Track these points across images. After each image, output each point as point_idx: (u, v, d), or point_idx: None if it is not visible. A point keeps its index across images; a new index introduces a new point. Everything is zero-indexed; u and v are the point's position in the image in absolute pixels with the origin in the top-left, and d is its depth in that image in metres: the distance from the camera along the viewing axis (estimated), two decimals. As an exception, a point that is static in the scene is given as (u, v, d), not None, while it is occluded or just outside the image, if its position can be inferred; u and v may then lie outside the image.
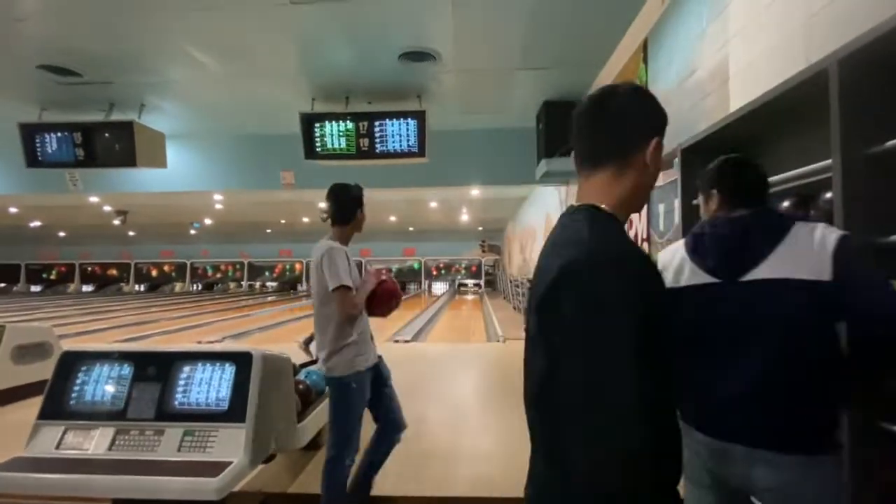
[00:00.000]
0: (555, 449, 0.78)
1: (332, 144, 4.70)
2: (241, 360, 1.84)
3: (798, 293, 1.06)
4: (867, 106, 1.29)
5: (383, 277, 2.31)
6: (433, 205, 12.77)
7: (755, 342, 1.10)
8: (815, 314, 1.06)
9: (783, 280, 1.07)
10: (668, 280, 1.24)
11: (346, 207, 2.22)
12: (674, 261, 1.28)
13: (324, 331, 2.11)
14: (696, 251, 1.23)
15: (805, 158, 1.55)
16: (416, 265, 22.02)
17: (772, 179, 1.74)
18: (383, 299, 2.29)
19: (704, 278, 1.19)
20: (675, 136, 2.78)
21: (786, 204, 1.66)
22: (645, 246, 3.38)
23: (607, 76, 4.18)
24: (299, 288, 21.04)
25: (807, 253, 1.07)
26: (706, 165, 2.29)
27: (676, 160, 2.64)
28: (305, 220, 14.98)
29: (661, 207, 3.11)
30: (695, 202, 2.28)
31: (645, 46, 3.36)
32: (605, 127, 0.87)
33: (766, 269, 1.10)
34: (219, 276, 22.50)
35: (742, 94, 2.08)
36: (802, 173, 1.57)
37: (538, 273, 0.83)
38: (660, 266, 1.30)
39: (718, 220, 1.23)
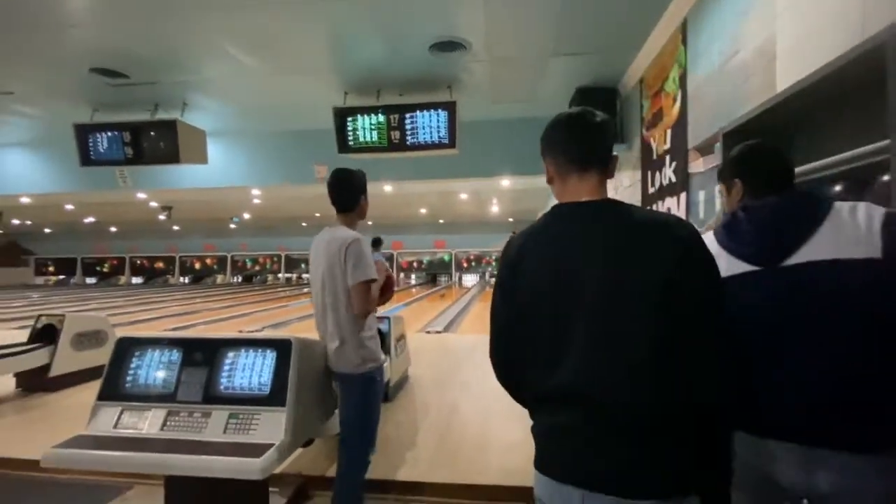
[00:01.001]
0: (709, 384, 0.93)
1: (365, 138, 4.76)
2: (282, 347, 1.91)
3: (851, 273, 0.98)
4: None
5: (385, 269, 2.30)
6: (463, 196, 12.75)
7: (810, 331, 1.02)
8: (874, 294, 0.97)
9: (831, 261, 1.00)
10: None
11: (350, 193, 2.11)
12: None
13: (347, 327, 2.00)
14: (732, 239, 1.17)
15: (858, 140, 1.46)
16: (446, 257, 22.10)
17: (822, 163, 1.65)
18: (386, 291, 2.27)
19: (743, 266, 1.12)
20: (716, 121, 2.67)
21: (838, 188, 1.58)
22: (683, 235, 3.26)
23: (644, 60, 4.04)
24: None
25: (852, 232, 0.99)
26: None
27: (718, 145, 2.54)
28: (339, 213, 15.24)
29: (702, 195, 3.00)
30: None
31: (684, 27, 3.23)
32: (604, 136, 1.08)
33: (810, 251, 1.03)
34: (257, 268, 23.30)
35: (790, 73, 1.97)
36: (855, 156, 1.48)
37: (641, 250, 0.93)
38: None
39: (751, 206, 1.17)
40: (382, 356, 2.17)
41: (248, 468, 1.59)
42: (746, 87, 2.39)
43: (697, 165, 3.07)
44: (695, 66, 3.09)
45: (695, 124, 3.12)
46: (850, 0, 1.64)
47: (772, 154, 1.21)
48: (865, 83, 1.44)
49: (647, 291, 0.90)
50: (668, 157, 3.60)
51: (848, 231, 1.00)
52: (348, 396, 2.09)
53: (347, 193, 2.13)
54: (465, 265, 21.99)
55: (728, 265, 1.13)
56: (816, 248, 1.02)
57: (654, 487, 0.89)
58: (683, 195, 3.29)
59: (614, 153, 1.09)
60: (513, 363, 1.09)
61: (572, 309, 0.96)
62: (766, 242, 1.10)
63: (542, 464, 1.02)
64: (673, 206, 3.48)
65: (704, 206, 2.98)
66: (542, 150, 1.12)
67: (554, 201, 1.12)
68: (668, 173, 3.58)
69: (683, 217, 3.26)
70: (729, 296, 1.08)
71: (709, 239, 1.22)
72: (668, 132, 3.58)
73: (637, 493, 0.88)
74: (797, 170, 1.79)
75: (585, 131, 1.06)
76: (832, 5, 1.74)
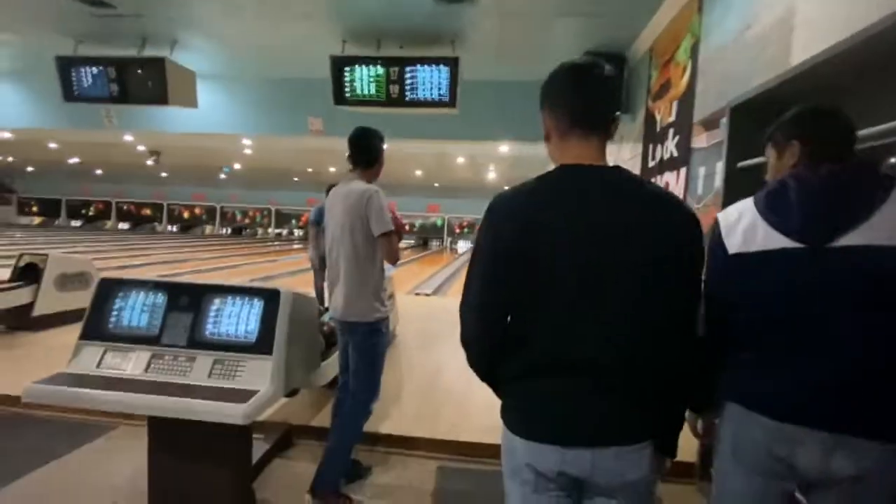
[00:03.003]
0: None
1: (362, 90, 4.60)
2: (270, 297, 1.89)
3: None
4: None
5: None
6: (460, 160, 12.57)
7: (853, 321, 0.97)
8: None
9: (888, 248, 0.91)
10: (737, 243, 1.09)
11: (371, 149, 2.17)
12: (742, 220, 1.10)
13: (360, 277, 2.07)
14: (775, 210, 1.05)
15: (873, 118, 1.42)
16: (439, 222, 22.01)
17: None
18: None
19: (783, 242, 1.02)
20: (725, 95, 2.60)
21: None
22: (679, 210, 3.25)
23: (656, 27, 3.90)
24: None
25: None
26: (760, 126, 2.15)
27: (724, 120, 2.49)
28: (332, 169, 14.99)
29: (702, 171, 2.97)
30: (741, 164, 2.16)
31: (701, -7, 3.09)
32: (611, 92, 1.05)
33: (865, 234, 0.93)
34: (247, 221, 23.04)
35: (807, 46, 1.90)
36: (870, 134, 1.45)
37: (645, 220, 0.94)
38: (723, 227, 1.14)
39: (803, 173, 1.04)
40: (389, 310, 2.21)
41: (231, 412, 1.60)
42: (762, 59, 2.32)
43: (700, 140, 3.02)
44: (709, 37, 2.98)
45: (702, 98, 3.04)
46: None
47: (836, 116, 1.08)
48: (885, 60, 1.39)
49: (652, 265, 0.93)
50: (671, 131, 3.53)
51: None
52: (357, 346, 2.13)
53: (367, 149, 2.17)
54: (457, 231, 21.95)
55: (765, 238, 1.04)
56: (873, 231, 0.92)
57: (646, 433, 0.99)
58: (684, 170, 3.25)
59: (617, 113, 1.02)
60: (499, 328, 1.04)
61: (576, 278, 0.94)
62: (816, 216, 0.99)
63: (537, 430, 0.99)
64: (672, 180, 3.44)
65: (704, 181, 2.95)
66: (541, 101, 1.04)
67: (550, 169, 1.04)
68: (671, 147, 3.52)
69: (682, 193, 3.24)
70: (762, 272, 1.05)
71: (746, 206, 1.12)
72: (675, 104, 3.50)
73: (634, 439, 0.98)
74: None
75: (593, 86, 0.99)
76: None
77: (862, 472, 0.97)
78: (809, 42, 1.91)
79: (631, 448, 0.96)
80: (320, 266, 4.89)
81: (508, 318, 1.03)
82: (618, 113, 1.02)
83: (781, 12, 2.14)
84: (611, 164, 1.00)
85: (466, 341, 1.09)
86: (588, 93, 0.99)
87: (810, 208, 1.00)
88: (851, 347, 0.97)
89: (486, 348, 1.07)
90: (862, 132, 1.46)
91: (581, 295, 0.95)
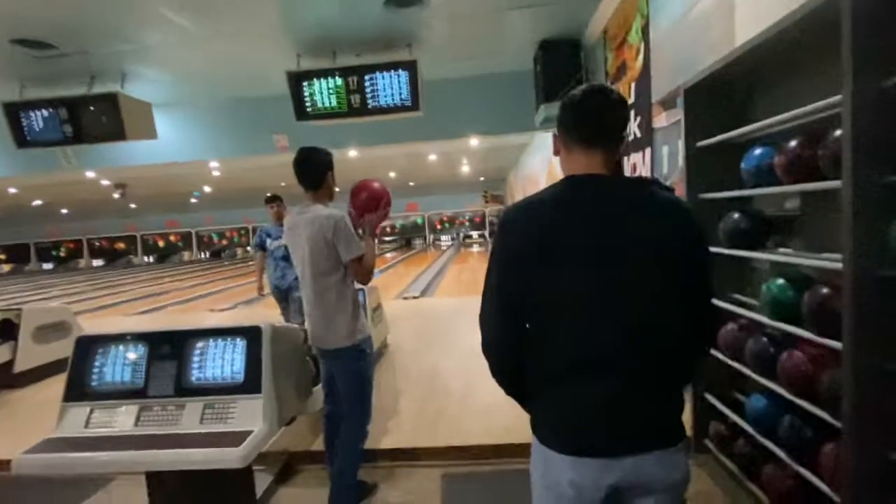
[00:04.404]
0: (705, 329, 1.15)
1: (323, 103, 4.55)
2: (251, 335, 1.88)
3: None
4: (883, 36, 1.21)
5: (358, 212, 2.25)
6: (432, 157, 12.53)
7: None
8: None
9: None
10: None
11: (313, 171, 2.09)
12: None
13: (335, 303, 2.03)
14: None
15: (816, 95, 1.47)
16: (419, 220, 21.96)
17: (780, 117, 1.67)
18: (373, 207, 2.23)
19: None
20: (679, 74, 2.65)
21: (793, 143, 1.60)
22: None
23: (606, 10, 3.94)
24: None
25: None
26: (711, 105, 2.20)
27: (679, 99, 2.53)
28: (305, 181, 14.77)
29: (665, 150, 3.03)
30: (700, 144, 2.21)
31: (646, -25, 3.13)
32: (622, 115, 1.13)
33: None
34: (224, 242, 22.65)
35: (749, 25, 1.95)
36: (810, 110, 1.50)
37: (654, 222, 1.01)
38: None
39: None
40: (369, 329, 2.20)
41: (228, 457, 1.59)
42: (707, 40, 2.37)
43: (660, 120, 3.08)
44: (657, 17, 3.03)
45: (657, 78, 3.09)
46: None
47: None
48: (822, 38, 1.44)
49: (670, 263, 1.00)
50: (633, 112, 3.58)
51: None
52: (342, 372, 2.10)
53: (311, 171, 2.11)
54: (438, 227, 21.93)
55: None
56: None
57: (681, 433, 1.04)
58: (648, 150, 3.31)
59: (625, 134, 1.11)
60: (516, 335, 1.06)
61: (594, 281, 0.98)
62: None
63: (574, 443, 0.98)
64: (638, 161, 3.50)
65: (668, 160, 3.01)
66: (557, 122, 1.14)
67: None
68: (634, 128, 3.58)
69: (649, 172, 3.30)
70: None
71: None
72: (633, 86, 3.55)
73: (671, 442, 1.01)
74: (757, 125, 1.81)
75: (601, 109, 1.07)
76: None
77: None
78: (749, 22, 1.96)
79: (670, 450, 0.99)
80: (279, 297, 4.44)
81: (527, 326, 1.05)
82: (626, 133, 1.12)
83: (721, -8, 2.18)
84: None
85: (487, 350, 1.12)
86: (596, 117, 1.07)
87: None
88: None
89: (507, 355, 1.09)
90: (806, 108, 1.52)
91: (596, 296, 0.98)
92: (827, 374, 1.50)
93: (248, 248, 22.24)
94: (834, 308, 1.38)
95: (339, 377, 2.11)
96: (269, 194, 4.74)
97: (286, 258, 4.15)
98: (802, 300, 1.56)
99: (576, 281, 0.99)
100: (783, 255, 1.78)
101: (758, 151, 1.80)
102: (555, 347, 1.01)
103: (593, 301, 0.98)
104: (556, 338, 1.01)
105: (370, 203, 2.22)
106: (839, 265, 1.33)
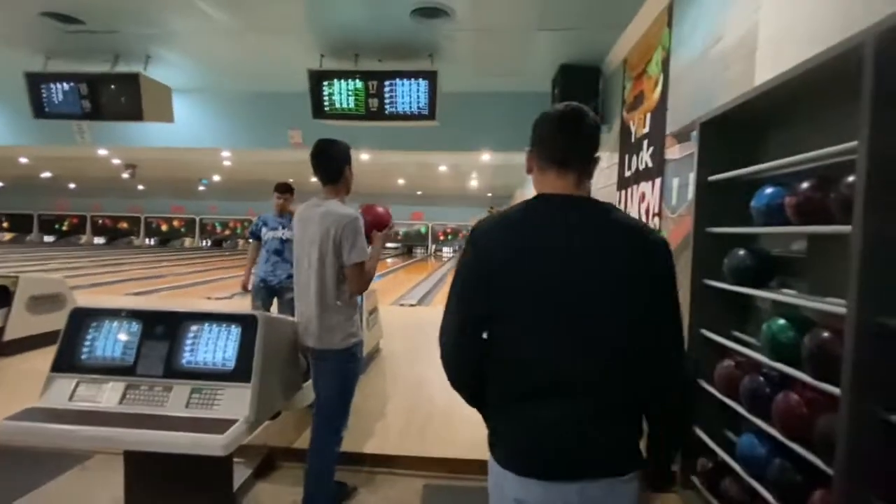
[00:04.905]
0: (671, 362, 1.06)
1: (341, 104, 4.59)
2: (247, 323, 1.87)
3: None
4: (903, 85, 1.22)
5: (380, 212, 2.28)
6: (443, 169, 12.60)
7: None
8: None
9: None
10: None
11: (333, 164, 2.06)
12: None
13: (333, 302, 2.00)
14: None
15: (829, 139, 1.48)
16: (423, 229, 22.00)
17: (793, 158, 1.68)
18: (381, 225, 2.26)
19: None
20: (695, 109, 2.67)
21: (805, 185, 1.61)
22: (656, 221, 3.32)
23: (629, 41, 3.99)
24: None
25: None
26: (725, 141, 2.21)
27: (694, 133, 2.55)
28: (313, 179, 14.84)
29: (676, 182, 3.04)
30: (711, 178, 2.22)
31: (671, 9, 3.18)
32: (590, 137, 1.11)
33: None
34: (227, 232, 22.67)
35: (769, 66, 1.98)
36: (825, 154, 1.51)
37: (620, 246, 1.01)
38: None
39: None
40: (362, 334, 2.17)
41: (210, 444, 1.57)
42: (726, 76, 2.39)
43: (673, 152, 3.09)
44: (678, 51, 3.07)
45: (674, 110, 3.12)
46: (833, -5, 1.64)
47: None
48: (841, 84, 1.45)
49: (636, 288, 0.98)
50: (645, 142, 3.61)
51: None
52: (329, 373, 2.07)
53: (330, 164, 2.08)
54: (441, 238, 21.95)
55: None
56: None
57: (633, 464, 1.00)
58: (658, 180, 3.32)
59: (597, 155, 1.10)
60: (479, 358, 1.05)
61: (559, 301, 0.97)
62: None
63: (522, 463, 0.98)
64: (648, 190, 3.52)
65: (678, 192, 3.02)
66: (531, 140, 1.14)
67: (532, 181, 1.14)
68: (646, 158, 3.60)
69: (658, 202, 3.31)
70: None
71: None
72: (648, 116, 3.58)
73: (621, 472, 0.98)
74: (770, 164, 1.82)
75: (575, 133, 1.08)
76: (814, 1, 1.74)
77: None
78: (770, 63, 1.98)
79: (620, 479, 0.96)
80: (262, 293, 4.12)
81: (485, 338, 1.05)
82: (597, 155, 1.11)
83: (744, 32, 2.21)
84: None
85: (444, 361, 1.12)
86: (571, 138, 1.08)
87: None
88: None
89: (463, 367, 1.09)
90: (821, 151, 1.53)
91: (559, 318, 0.97)
92: (822, 419, 1.48)
93: (251, 241, 22.27)
94: (833, 352, 1.37)
95: (324, 378, 2.08)
96: (283, 182, 4.51)
97: (279, 252, 4.09)
98: (802, 342, 1.55)
99: (538, 302, 0.98)
100: (786, 296, 1.78)
101: (769, 190, 1.80)
102: (512, 367, 1.01)
103: (556, 323, 0.98)
104: (515, 357, 1.00)
105: (376, 224, 2.26)
106: (842, 310, 1.33)
